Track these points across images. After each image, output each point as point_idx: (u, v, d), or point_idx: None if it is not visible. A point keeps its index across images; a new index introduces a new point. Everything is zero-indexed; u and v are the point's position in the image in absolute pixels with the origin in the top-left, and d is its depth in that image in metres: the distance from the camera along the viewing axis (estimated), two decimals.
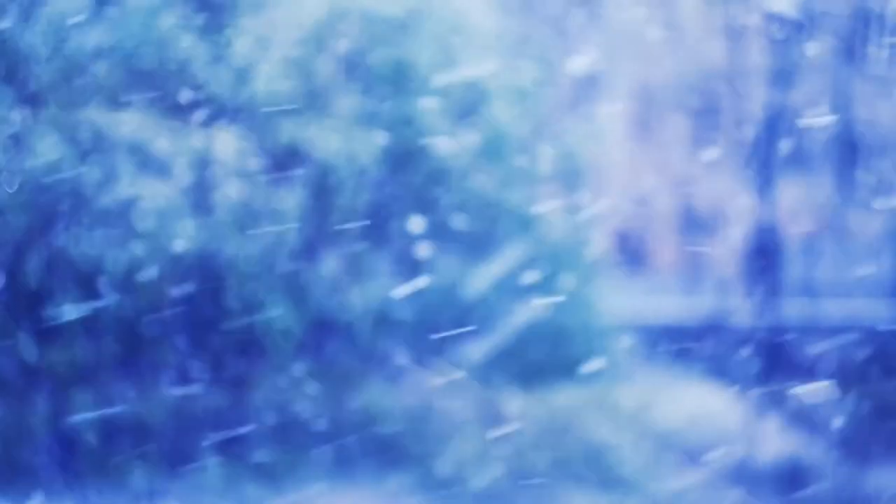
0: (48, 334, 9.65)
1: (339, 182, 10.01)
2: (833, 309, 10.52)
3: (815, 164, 10.72)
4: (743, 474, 10.05)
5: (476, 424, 9.96)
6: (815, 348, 10.22)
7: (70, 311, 9.58)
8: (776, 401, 10.33)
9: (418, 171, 10.14)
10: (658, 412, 10.21)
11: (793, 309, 10.69)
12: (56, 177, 9.66)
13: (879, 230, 10.53)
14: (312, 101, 10.03)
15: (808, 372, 10.23)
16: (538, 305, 9.97)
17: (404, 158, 10.07)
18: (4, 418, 9.69)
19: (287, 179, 9.97)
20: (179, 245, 9.68)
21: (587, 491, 9.85)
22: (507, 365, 10.02)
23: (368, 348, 9.97)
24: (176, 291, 9.68)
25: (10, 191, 9.64)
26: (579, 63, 10.62)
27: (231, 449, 9.73)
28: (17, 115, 9.77)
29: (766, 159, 10.75)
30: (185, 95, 9.91)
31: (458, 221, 10.15)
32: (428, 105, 10.05)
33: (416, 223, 10.06)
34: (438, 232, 10.11)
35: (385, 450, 9.86)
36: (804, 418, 10.24)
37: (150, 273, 9.63)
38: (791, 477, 10.16)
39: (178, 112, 9.87)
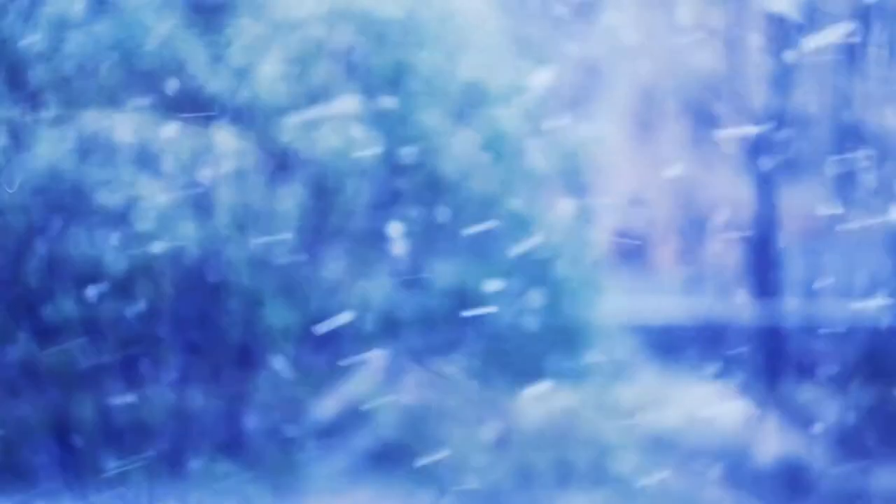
0: (48, 334, 9.66)
1: (339, 182, 10.02)
2: (833, 309, 10.52)
3: (814, 164, 10.72)
4: (743, 474, 10.06)
5: (475, 424, 9.97)
6: (815, 348, 10.22)
7: (70, 311, 9.59)
8: (776, 401, 10.33)
9: (418, 171, 10.15)
10: (658, 412, 10.21)
11: (793, 309, 10.69)
12: (56, 177, 9.67)
13: (879, 230, 10.53)
14: (312, 102, 10.04)
15: (807, 372, 10.24)
16: (538, 305, 9.98)
17: (404, 159, 10.07)
18: (4, 418, 9.70)
19: (287, 179, 9.98)
20: (179, 245, 9.68)
21: (587, 491, 9.85)
22: (506, 365, 10.03)
23: (368, 348, 9.98)
24: (175, 291, 9.69)
25: (10, 191, 9.65)
26: (579, 63, 10.62)
27: (231, 449, 9.74)
28: (17, 115, 9.78)
29: (765, 159, 10.76)
30: (185, 96, 9.91)
31: (458, 221, 10.15)
32: (427, 105, 10.06)
33: (416, 223, 10.07)
34: (438, 232, 10.11)
35: (385, 450, 9.86)
36: (804, 418, 10.24)
37: (149, 273, 9.64)
38: (791, 477, 10.17)
39: (178, 112, 9.88)
